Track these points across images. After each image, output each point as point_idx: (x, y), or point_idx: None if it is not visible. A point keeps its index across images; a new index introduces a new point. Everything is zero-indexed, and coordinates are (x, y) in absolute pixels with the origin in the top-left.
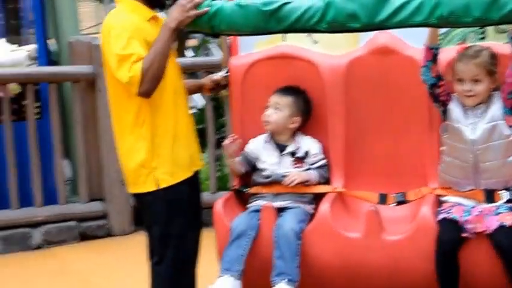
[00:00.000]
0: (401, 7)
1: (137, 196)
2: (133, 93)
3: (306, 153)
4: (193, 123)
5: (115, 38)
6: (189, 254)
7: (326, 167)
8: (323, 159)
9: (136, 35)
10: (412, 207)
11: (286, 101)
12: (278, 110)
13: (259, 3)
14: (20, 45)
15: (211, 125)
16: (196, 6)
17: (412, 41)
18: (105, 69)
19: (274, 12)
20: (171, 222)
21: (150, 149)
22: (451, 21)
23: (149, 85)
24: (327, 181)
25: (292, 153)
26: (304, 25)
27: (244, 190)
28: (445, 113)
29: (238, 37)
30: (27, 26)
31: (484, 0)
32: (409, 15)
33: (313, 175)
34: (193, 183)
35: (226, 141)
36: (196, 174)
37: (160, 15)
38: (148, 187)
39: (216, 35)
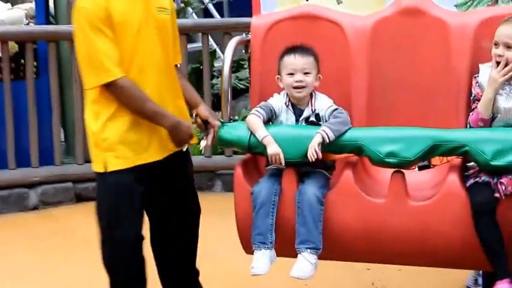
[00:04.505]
0: None
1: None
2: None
3: (318, 116)
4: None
5: None
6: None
7: (337, 109)
8: (332, 108)
9: None
10: (436, 172)
11: (311, 61)
12: (308, 74)
13: None
14: (13, 4)
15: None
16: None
17: (442, 2)
18: None
19: None
20: (110, 214)
21: (103, 125)
22: None
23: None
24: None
25: (307, 119)
26: None
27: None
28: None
29: None
30: None
31: None
32: None
33: (326, 133)
34: (161, 170)
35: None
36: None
37: None
38: (98, 167)
39: None
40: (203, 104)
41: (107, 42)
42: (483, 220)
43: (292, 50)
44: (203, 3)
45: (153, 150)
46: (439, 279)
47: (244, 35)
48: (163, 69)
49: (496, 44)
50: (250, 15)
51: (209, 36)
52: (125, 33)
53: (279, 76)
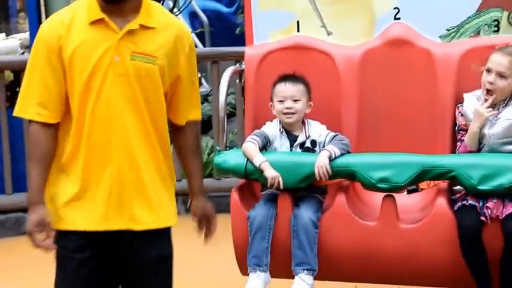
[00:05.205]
0: None
1: None
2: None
3: (314, 142)
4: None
5: None
6: None
7: (338, 135)
8: (332, 134)
9: None
10: (424, 196)
11: (300, 89)
12: (298, 101)
13: None
14: (7, 35)
15: None
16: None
17: (427, 33)
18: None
19: None
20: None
21: (51, 173)
22: None
23: None
24: (348, 147)
25: (301, 144)
26: None
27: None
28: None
29: (253, 27)
30: (14, 15)
31: None
32: None
33: (332, 151)
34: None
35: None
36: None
37: None
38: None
39: None
40: (199, 198)
41: (42, 77)
42: (469, 242)
43: (284, 78)
44: None
45: (96, 217)
46: None
47: (238, 64)
48: (124, 127)
49: (489, 71)
50: (231, 44)
51: None
52: (73, 74)
53: (271, 103)
